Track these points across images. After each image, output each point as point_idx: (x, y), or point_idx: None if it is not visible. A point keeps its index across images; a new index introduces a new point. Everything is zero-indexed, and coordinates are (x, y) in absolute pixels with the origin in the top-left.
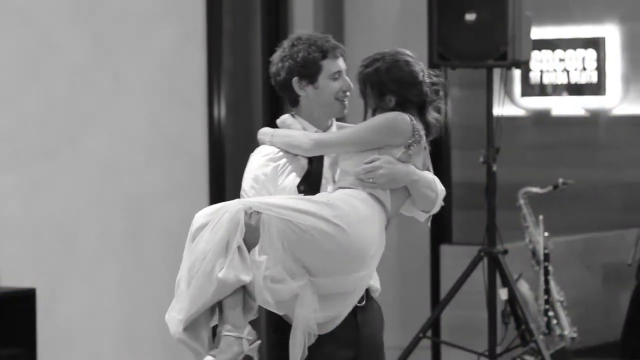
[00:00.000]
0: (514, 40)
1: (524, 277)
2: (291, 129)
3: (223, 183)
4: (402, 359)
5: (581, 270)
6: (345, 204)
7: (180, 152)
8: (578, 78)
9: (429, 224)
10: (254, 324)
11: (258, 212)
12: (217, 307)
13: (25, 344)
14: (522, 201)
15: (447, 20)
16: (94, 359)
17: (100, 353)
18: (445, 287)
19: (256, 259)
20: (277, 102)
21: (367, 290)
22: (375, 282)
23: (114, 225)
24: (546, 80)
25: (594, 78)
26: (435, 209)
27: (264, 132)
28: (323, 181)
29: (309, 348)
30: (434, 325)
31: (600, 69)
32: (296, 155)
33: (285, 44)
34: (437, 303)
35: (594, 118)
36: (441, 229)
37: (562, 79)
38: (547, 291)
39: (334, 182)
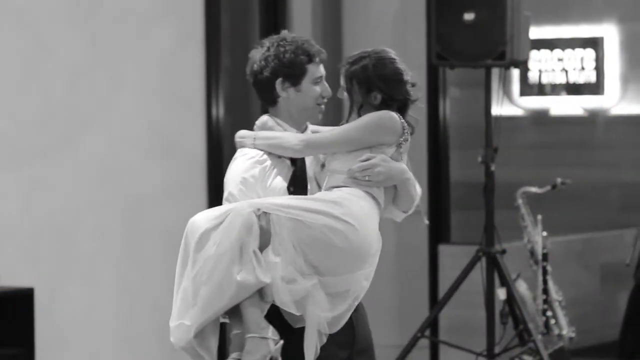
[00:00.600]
0: (513, 39)
1: (522, 277)
2: (273, 130)
3: (221, 183)
4: (401, 358)
5: (579, 270)
6: (350, 202)
7: (179, 152)
8: (576, 78)
9: (426, 221)
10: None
11: (266, 213)
12: (228, 313)
13: (23, 344)
14: (520, 201)
15: (445, 20)
16: (92, 359)
17: (98, 353)
18: (443, 287)
19: (271, 260)
20: None
21: None
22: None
23: (112, 225)
24: (545, 79)
25: (592, 78)
26: (412, 210)
27: (244, 135)
28: (308, 184)
29: (301, 349)
30: (432, 325)
31: (599, 68)
32: (280, 156)
33: (268, 43)
34: (436, 303)
35: (593, 118)
36: (439, 228)
37: (560, 79)
38: (546, 291)
39: (316, 180)
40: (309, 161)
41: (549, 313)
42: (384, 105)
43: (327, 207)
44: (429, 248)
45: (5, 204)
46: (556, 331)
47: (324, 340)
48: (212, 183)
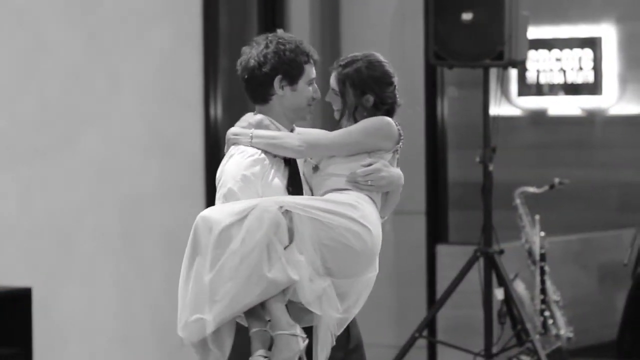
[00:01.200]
0: (511, 39)
1: (520, 277)
2: (269, 129)
3: None
4: (398, 358)
5: (577, 270)
6: (362, 205)
7: (177, 152)
8: (574, 78)
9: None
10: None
11: (288, 211)
12: (246, 312)
13: (21, 344)
14: (518, 201)
15: (443, 20)
16: (89, 359)
17: (96, 352)
18: (441, 287)
19: (296, 258)
20: None
21: None
22: None
23: (110, 225)
24: (543, 79)
25: (590, 78)
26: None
27: (240, 133)
28: (304, 185)
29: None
30: (430, 325)
31: (597, 68)
32: (275, 156)
33: (265, 40)
34: (433, 303)
35: (591, 118)
36: (437, 228)
37: (558, 79)
38: (543, 291)
39: (306, 181)
40: (300, 162)
41: (547, 313)
42: (374, 108)
43: (344, 209)
44: (427, 248)
45: (4, 204)
46: (554, 331)
47: (334, 342)
48: (210, 183)
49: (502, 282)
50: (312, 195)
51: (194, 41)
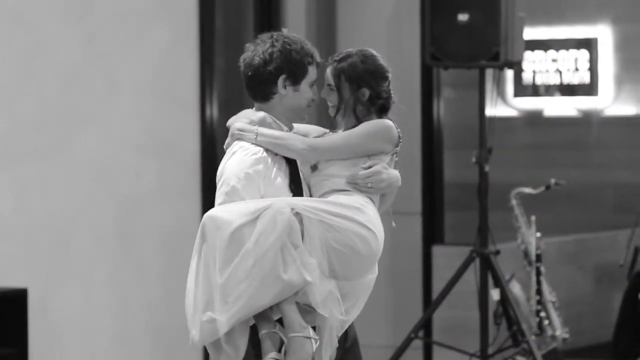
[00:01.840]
0: (507, 40)
1: (516, 278)
2: (272, 127)
3: (216, 183)
4: (394, 359)
5: (573, 271)
6: (367, 208)
7: (173, 152)
8: (570, 78)
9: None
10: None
11: (298, 213)
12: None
13: (17, 344)
14: (514, 202)
15: (439, 21)
16: (86, 359)
17: (92, 353)
18: (437, 288)
19: (308, 260)
20: None
21: None
22: None
23: (106, 226)
24: (539, 80)
25: (586, 79)
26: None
27: (245, 129)
28: (303, 184)
29: None
30: (425, 326)
31: (593, 69)
32: (277, 154)
33: (269, 39)
34: (429, 303)
35: (587, 119)
36: (433, 229)
37: (554, 80)
38: (539, 292)
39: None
40: (299, 162)
41: (543, 314)
42: (369, 102)
43: (352, 213)
44: (423, 249)
45: (1, 204)
46: (550, 332)
47: (337, 343)
48: (206, 183)
49: (498, 283)
50: (310, 194)
51: (190, 41)
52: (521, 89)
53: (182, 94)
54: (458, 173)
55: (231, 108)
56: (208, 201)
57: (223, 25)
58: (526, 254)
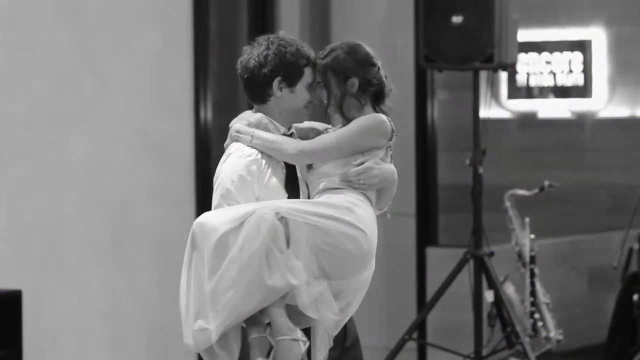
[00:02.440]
0: (501, 42)
1: (510, 280)
2: (268, 129)
3: (209, 185)
4: None
5: (567, 273)
6: (357, 207)
7: (166, 155)
8: (564, 80)
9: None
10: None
11: (284, 217)
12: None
13: (11, 346)
14: (508, 203)
15: (433, 22)
16: None
17: (86, 355)
18: (431, 290)
19: (294, 264)
20: None
21: None
22: None
23: (99, 228)
24: (532, 82)
25: (580, 80)
26: (386, 208)
27: (242, 131)
28: (300, 184)
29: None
30: (420, 327)
31: (587, 71)
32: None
33: (266, 41)
34: (423, 305)
35: (580, 120)
36: (427, 231)
37: (548, 82)
38: (533, 293)
39: (305, 183)
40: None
41: (537, 315)
42: (361, 91)
43: (340, 213)
44: (417, 250)
45: None
46: (544, 333)
47: (332, 343)
48: (200, 186)
49: (492, 285)
50: (308, 193)
51: (183, 43)
52: (515, 91)
53: (175, 96)
54: (452, 175)
55: (225, 110)
56: (202, 203)
57: (216, 27)
58: (520, 255)
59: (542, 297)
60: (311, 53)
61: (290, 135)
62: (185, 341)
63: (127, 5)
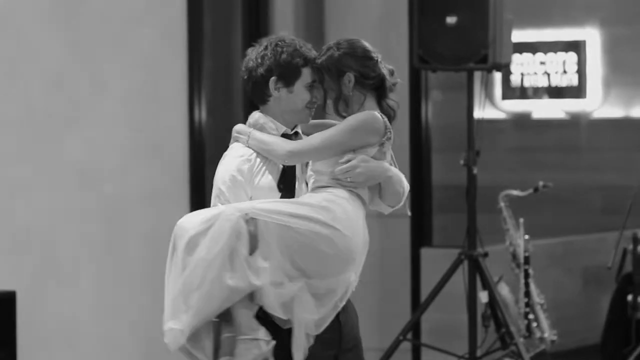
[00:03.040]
0: (495, 43)
1: (504, 280)
2: (265, 129)
3: (204, 186)
4: None
5: (561, 273)
6: (337, 205)
7: (161, 155)
8: (559, 81)
9: (409, 213)
10: None
11: (254, 218)
12: (219, 316)
13: (5, 347)
14: (502, 204)
15: (428, 23)
16: None
17: (80, 356)
18: (425, 290)
19: (259, 265)
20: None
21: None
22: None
23: (94, 229)
24: (527, 83)
25: (574, 81)
26: (400, 205)
27: (241, 131)
28: (296, 182)
29: (288, 348)
30: (414, 328)
31: (581, 72)
32: None
33: (266, 42)
34: (418, 306)
35: (575, 121)
36: (421, 231)
37: (542, 82)
38: (528, 294)
39: (305, 181)
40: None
41: (531, 316)
42: (360, 86)
43: (314, 212)
44: (411, 251)
45: None
46: (538, 334)
47: (312, 341)
48: (194, 186)
49: (486, 285)
50: (307, 191)
51: (178, 43)
52: (509, 92)
53: (169, 96)
54: (446, 175)
55: (219, 110)
56: (196, 203)
57: (211, 28)
58: (514, 256)
59: (537, 297)
60: (310, 53)
61: (294, 135)
62: (165, 340)
63: (121, 6)
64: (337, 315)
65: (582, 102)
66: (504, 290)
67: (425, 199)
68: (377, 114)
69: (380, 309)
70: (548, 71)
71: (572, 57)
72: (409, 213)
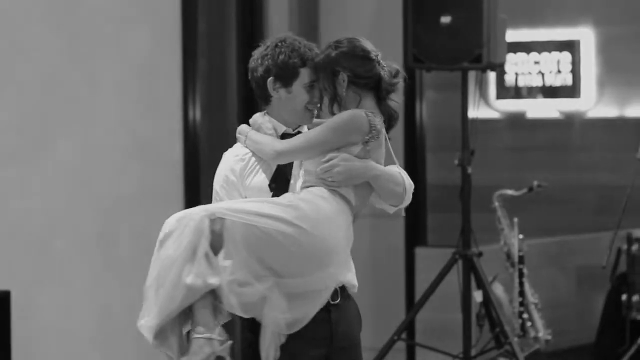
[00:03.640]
0: (489, 42)
1: (498, 280)
2: (262, 129)
3: (198, 186)
4: None
5: (555, 273)
6: (308, 203)
7: (155, 156)
8: (553, 80)
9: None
10: (230, 323)
11: (222, 217)
12: (191, 313)
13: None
14: (496, 203)
15: (422, 23)
16: None
17: (75, 355)
18: (420, 290)
19: (221, 264)
20: (253, 105)
21: (343, 287)
22: (352, 278)
23: (88, 229)
24: (521, 82)
25: (568, 81)
26: (405, 203)
27: (241, 132)
28: (292, 180)
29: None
30: (408, 328)
31: (575, 71)
32: None
33: (269, 42)
34: (412, 305)
35: (569, 120)
36: (416, 231)
37: (537, 82)
38: (522, 293)
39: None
40: (296, 161)
41: (525, 315)
42: (354, 86)
43: (280, 211)
44: (406, 250)
45: None
46: (532, 333)
47: (283, 340)
48: (188, 186)
49: (481, 285)
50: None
51: (172, 43)
52: (503, 91)
53: (164, 96)
54: (441, 175)
55: (214, 110)
56: (190, 203)
57: (205, 28)
58: (509, 255)
59: (531, 297)
60: (309, 53)
61: (296, 135)
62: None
63: (116, 6)
64: (329, 314)
65: (576, 101)
66: (498, 289)
67: (420, 198)
68: (362, 112)
69: (375, 309)
70: (542, 71)
71: (566, 56)
72: (403, 213)
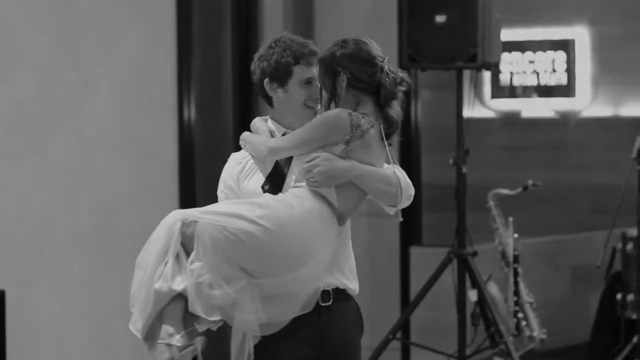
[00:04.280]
0: (484, 42)
1: (493, 279)
2: (258, 131)
3: (193, 186)
4: None
5: (550, 272)
6: (279, 202)
7: (150, 155)
8: (548, 80)
9: (399, 221)
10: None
11: (195, 220)
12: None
13: None
14: (491, 203)
15: (417, 22)
16: None
17: (70, 355)
18: (415, 289)
19: (189, 267)
20: (248, 105)
21: (339, 290)
22: (349, 282)
23: (83, 228)
24: (516, 82)
25: (563, 80)
26: (403, 204)
27: (242, 138)
28: (288, 179)
29: (261, 345)
30: (403, 327)
31: (570, 71)
32: None
33: (267, 42)
34: (407, 305)
35: (564, 120)
36: (411, 230)
37: (531, 81)
38: (517, 293)
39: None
40: (295, 163)
41: (520, 315)
42: (352, 88)
43: (245, 209)
44: (400, 250)
45: None
46: (527, 333)
47: (255, 341)
48: (183, 186)
49: (476, 284)
50: None
51: (167, 42)
52: (498, 91)
53: (159, 96)
54: (436, 174)
55: (209, 110)
56: (185, 204)
57: (200, 27)
58: (504, 255)
59: (526, 296)
60: (303, 50)
61: None
62: None
63: (111, 5)
64: (319, 315)
65: (571, 101)
66: (493, 289)
67: (415, 197)
68: (345, 112)
69: (370, 308)
70: (537, 70)
71: (561, 56)
72: (401, 219)
